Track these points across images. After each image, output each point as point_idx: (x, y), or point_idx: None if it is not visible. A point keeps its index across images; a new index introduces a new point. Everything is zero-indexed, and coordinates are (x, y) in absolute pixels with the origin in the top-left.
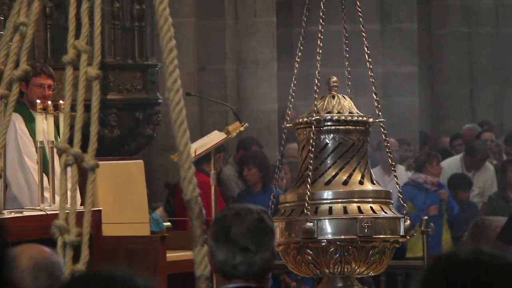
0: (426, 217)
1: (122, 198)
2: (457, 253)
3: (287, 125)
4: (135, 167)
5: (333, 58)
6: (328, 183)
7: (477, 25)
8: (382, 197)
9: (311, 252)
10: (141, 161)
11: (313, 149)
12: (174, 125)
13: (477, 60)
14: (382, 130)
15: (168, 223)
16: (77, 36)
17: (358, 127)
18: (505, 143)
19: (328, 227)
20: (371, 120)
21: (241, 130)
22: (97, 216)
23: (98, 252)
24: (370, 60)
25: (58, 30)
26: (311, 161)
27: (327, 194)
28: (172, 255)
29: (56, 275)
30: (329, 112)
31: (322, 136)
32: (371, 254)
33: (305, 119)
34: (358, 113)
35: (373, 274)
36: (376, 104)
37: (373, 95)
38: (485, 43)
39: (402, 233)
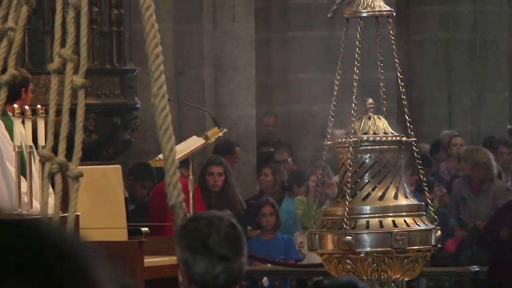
0: None
1: (100, 203)
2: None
3: (328, 142)
4: (113, 172)
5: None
6: (365, 198)
7: (455, 31)
8: (415, 210)
9: (350, 262)
10: (118, 166)
11: (351, 168)
12: (159, 131)
13: (455, 66)
14: (414, 148)
15: (146, 229)
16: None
17: (392, 146)
18: None
19: (365, 240)
20: (404, 139)
21: (219, 136)
22: (75, 221)
23: None
24: (400, 70)
25: (36, 35)
26: (349, 180)
27: (365, 209)
28: (149, 261)
29: None
30: (365, 133)
31: (359, 156)
32: (405, 262)
33: (343, 140)
34: (392, 133)
35: (408, 279)
36: (408, 125)
37: (406, 116)
38: (463, 49)
39: (433, 243)
